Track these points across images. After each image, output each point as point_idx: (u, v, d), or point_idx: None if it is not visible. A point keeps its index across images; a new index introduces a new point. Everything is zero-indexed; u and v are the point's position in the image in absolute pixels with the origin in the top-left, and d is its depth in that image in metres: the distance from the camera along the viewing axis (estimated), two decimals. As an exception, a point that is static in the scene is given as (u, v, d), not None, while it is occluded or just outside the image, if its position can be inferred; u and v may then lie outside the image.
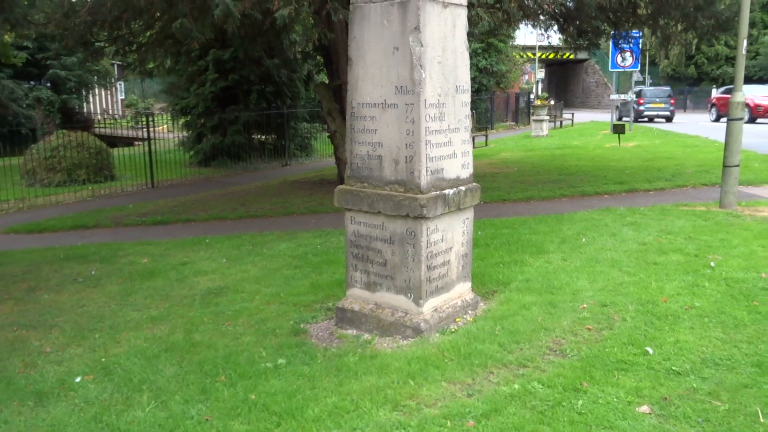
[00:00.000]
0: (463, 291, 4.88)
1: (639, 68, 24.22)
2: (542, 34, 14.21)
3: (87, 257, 7.23)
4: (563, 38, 13.76)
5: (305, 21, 15.32)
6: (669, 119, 32.45)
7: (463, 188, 4.64)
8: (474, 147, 21.08)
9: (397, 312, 4.53)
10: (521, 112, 35.57)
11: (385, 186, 4.47)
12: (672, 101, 33.60)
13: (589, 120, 33.10)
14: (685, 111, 48.57)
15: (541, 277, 5.45)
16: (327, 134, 13.02)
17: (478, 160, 16.02)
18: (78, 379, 3.89)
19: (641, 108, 31.93)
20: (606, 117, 31.10)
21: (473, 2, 12.32)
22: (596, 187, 10.63)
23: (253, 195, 12.14)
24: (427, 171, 4.31)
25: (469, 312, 4.82)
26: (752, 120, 29.69)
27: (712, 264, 5.48)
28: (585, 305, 4.69)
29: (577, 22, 12.22)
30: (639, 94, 32.49)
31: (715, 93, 43.66)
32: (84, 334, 4.75)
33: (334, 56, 12.20)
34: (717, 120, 32.55)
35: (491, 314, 4.65)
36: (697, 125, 27.30)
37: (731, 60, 52.57)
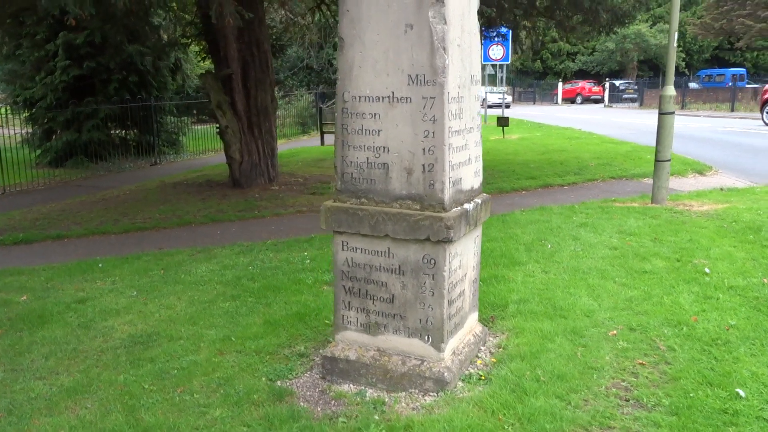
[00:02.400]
0: (473, 324, 4.06)
1: (509, 61, 24.76)
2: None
3: (-63, 298, 5.49)
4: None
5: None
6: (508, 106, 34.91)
7: (479, 201, 3.80)
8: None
9: (410, 359, 3.60)
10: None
11: (393, 202, 3.51)
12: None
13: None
14: (534, 103, 51.51)
15: (536, 296, 4.78)
16: (216, 130, 11.57)
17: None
18: None
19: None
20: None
21: None
22: (510, 183, 10.29)
23: (132, 201, 10.44)
24: (449, 182, 3.42)
25: (482, 348, 4.02)
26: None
27: (707, 270, 5.13)
28: (615, 331, 4.06)
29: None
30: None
31: (561, 86, 47.71)
32: (-33, 426, 3.32)
33: (221, 42, 10.79)
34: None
35: (514, 351, 3.87)
36: (550, 114, 28.89)
37: (572, 55, 56.55)
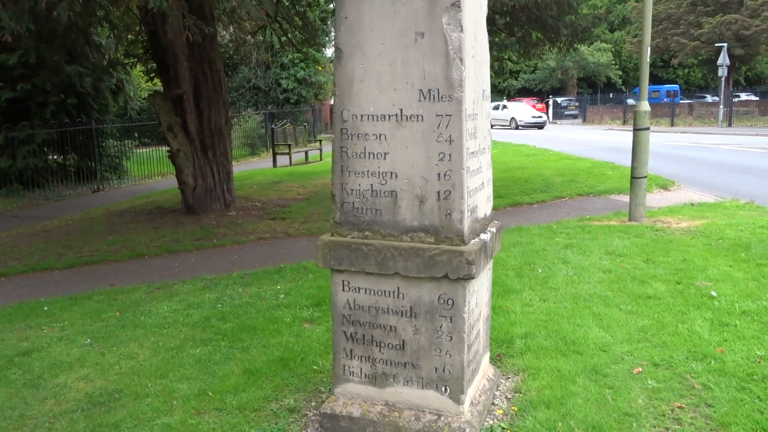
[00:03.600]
0: (485, 366, 3.64)
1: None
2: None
3: None
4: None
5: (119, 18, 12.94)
6: None
7: (494, 230, 3.40)
8: (307, 161, 19.86)
9: (425, 414, 3.14)
10: (338, 123, 35.11)
11: (403, 235, 3.07)
12: None
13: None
14: (480, 121, 52.04)
15: (542, 329, 4.40)
16: (167, 153, 10.88)
17: (329, 177, 14.80)
18: None
19: None
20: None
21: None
22: (478, 203, 9.99)
23: (76, 233, 9.62)
24: (467, 211, 3.00)
25: (497, 394, 3.59)
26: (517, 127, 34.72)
27: (713, 294, 4.87)
28: (639, 368, 3.71)
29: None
30: None
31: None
32: None
33: (171, 61, 10.17)
34: (517, 128, 36.05)
35: (535, 397, 3.46)
36: (499, 132, 29.55)
37: (515, 74, 57.64)
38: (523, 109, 38.97)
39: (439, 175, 2.96)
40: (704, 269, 5.55)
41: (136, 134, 21.95)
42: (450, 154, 2.93)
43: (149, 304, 5.65)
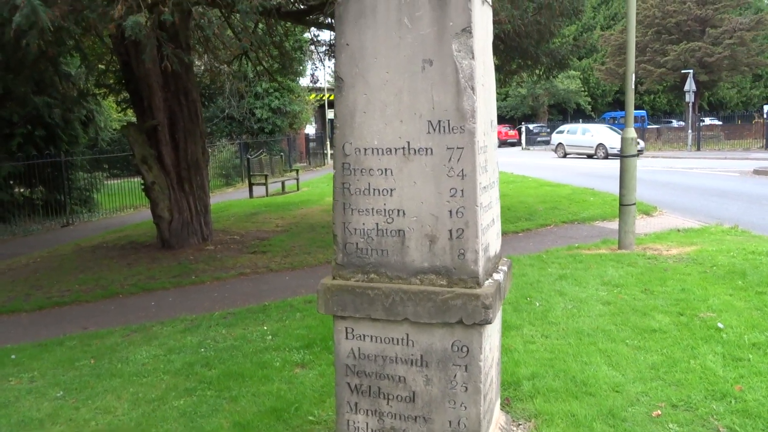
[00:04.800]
0: (497, 414, 3.39)
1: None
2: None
3: None
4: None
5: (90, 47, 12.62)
6: None
7: (505, 268, 3.18)
8: (284, 192, 19.54)
9: (438, 473, 2.87)
10: (312, 153, 35.00)
11: (412, 277, 2.83)
12: None
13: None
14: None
15: (548, 368, 4.18)
16: (141, 186, 10.52)
17: (308, 208, 14.55)
18: None
19: None
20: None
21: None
22: (463, 232, 9.82)
23: (45, 271, 9.17)
24: (482, 250, 2.78)
25: (512, 444, 3.35)
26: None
27: (720, 326, 4.71)
28: (658, 411, 3.49)
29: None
30: None
31: None
32: None
33: (145, 91, 9.88)
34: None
35: (553, 446, 3.21)
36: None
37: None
38: (610, 134, 29.46)
39: (450, 212, 2.75)
40: (705, 299, 5.40)
41: (106, 165, 21.46)
42: (463, 190, 2.72)
43: (126, 349, 5.30)
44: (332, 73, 13.04)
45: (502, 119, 56.62)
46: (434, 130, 2.74)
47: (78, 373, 4.80)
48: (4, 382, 4.72)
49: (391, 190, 2.83)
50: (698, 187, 14.75)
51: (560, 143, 31.69)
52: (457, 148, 2.72)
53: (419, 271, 2.82)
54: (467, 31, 2.67)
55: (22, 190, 15.85)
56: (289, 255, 9.17)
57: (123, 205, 17.38)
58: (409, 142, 2.78)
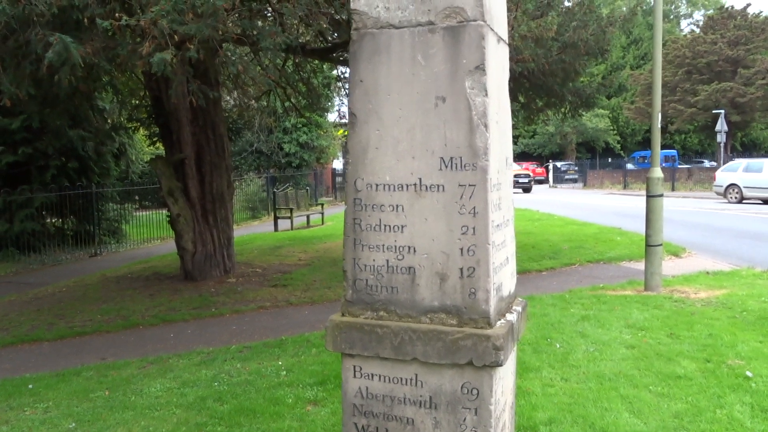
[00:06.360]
0: (511, 460, 3.27)
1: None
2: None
3: None
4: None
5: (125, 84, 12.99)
6: None
7: (519, 309, 3.11)
8: (309, 226, 19.64)
9: None
10: (339, 187, 35.26)
11: (422, 316, 2.78)
12: None
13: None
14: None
15: (567, 414, 4.04)
16: (167, 218, 10.67)
17: (332, 242, 14.56)
18: None
19: None
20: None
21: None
22: (485, 270, 9.70)
23: (70, 300, 9.28)
24: (493, 290, 2.72)
25: (525, 492, 3.21)
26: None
27: (749, 374, 4.52)
28: (681, 462, 3.33)
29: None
30: None
31: None
32: None
33: (174, 125, 10.09)
34: None
35: (569, 496, 3.07)
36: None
37: (514, 138, 58.30)
38: None
39: (462, 250, 2.70)
40: (733, 345, 5.21)
41: (136, 197, 21.86)
42: (474, 228, 2.68)
43: (141, 381, 5.28)
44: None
45: (529, 156, 56.56)
46: (446, 166, 2.72)
47: (92, 404, 4.79)
48: (20, 412, 4.73)
49: (402, 226, 2.79)
50: (730, 229, 14.42)
51: (733, 184, 23.59)
52: (469, 185, 2.68)
53: (429, 309, 2.77)
54: (480, 68, 2.66)
55: (53, 220, 16.19)
56: (309, 289, 9.14)
57: (150, 236, 17.63)
58: (420, 179, 2.76)
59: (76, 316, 8.13)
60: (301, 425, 4.14)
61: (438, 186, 2.74)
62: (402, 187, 2.80)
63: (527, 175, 36.94)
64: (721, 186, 24.26)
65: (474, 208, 2.68)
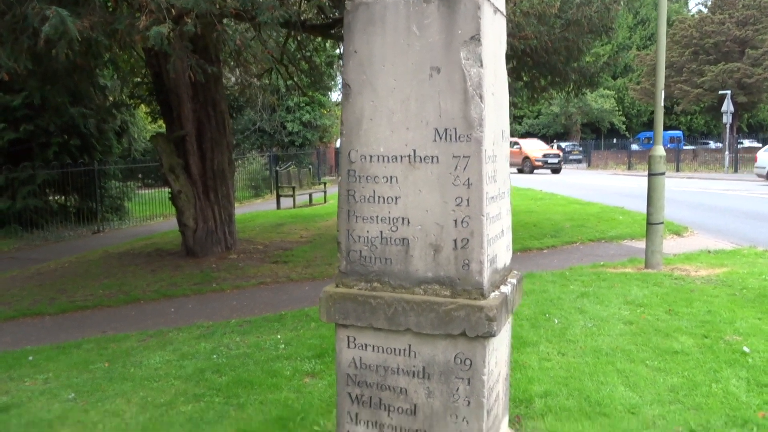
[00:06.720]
0: (505, 431, 3.30)
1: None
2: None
3: None
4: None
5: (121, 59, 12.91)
6: None
7: (514, 281, 3.11)
8: (311, 204, 19.65)
9: (439, 489, 2.80)
10: (342, 166, 35.16)
11: (416, 287, 2.78)
12: None
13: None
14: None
15: (563, 387, 4.07)
16: (169, 196, 10.68)
17: (333, 220, 14.56)
18: None
19: None
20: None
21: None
22: (486, 248, 9.71)
23: (72, 276, 9.34)
24: (487, 261, 2.72)
25: (518, 463, 3.25)
26: (531, 171, 33.37)
27: (746, 350, 4.53)
28: (676, 435, 3.36)
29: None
30: None
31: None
32: None
33: (174, 102, 10.06)
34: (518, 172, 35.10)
35: (561, 467, 3.10)
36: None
37: (518, 119, 58.05)
38: None
39: (455, 221, 2.70)
40: (732, 322, 5.22)
41: (140, 175, 21.88)
42: (468, 199, 2.67)
43: (141, 354, 5.33)
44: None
45: (532, 137, 56.24)
46: (441, 138, 2.71)
47: (91, 375, 4.84)
48: (20, 383, 4.78)
49: (396, 198, 2.79)
50: (733, 209, 14.37)
51: None
52: (464, 156, 2.67)
53: (423, 281, 2.77)
54: (476, 39, 2.63)
55: (56, 197, 16.23)
56: (310, 265, 9.17)
57: (153, 213, 17.66)
58: (415, 150, 2.75)
59: (77, 291, 8.18)
60: (299, 396, 4.18)
61: (432, 157, 2.73)
62: (396, 158, 2.79)
63: (556, 155, 34.75)
64: (764, 167, 23.01)
65: (468, 179, 2.68)
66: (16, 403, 4.33)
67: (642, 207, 11.56)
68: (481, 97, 2.65)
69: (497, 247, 2.93)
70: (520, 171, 34.14)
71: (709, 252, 8.74)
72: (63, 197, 16.29)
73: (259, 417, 3.91)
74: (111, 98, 16.22)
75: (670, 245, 9.58)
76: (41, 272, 9.79)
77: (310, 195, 20.03)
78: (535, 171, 33.74)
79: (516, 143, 35.00)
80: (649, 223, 7.54)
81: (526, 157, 34.30)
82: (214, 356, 5.12)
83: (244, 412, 4.00)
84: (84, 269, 9.78)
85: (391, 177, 2.79)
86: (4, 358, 5.44)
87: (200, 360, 5.04)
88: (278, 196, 18.94)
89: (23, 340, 6.21)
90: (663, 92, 7.41)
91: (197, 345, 5.48)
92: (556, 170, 33.74)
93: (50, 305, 7.54)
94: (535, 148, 35.33)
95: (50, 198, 15.98)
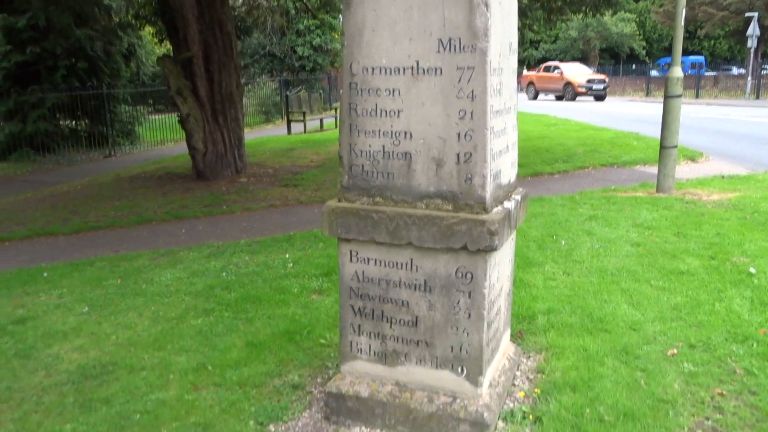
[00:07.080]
0: (506, 344, 3.37)
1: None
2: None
3: None
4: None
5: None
6: None
7: (518, 198, 3.09)
8: (322, 129, 19.51)
9: (438, 396, 2.88)
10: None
11: (418, 201, 2.77)
12: None
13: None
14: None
15: (566, 304, 4.11)
16: (177, 119, 10.62)
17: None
18: None
19: None
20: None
21: None
22: (497, 173, 9.65)
23: (84, 198, 9.44)
24: (490, 176, 2.69)
25: (518, 374, 3.33)
26: (573, 98, 31.49)
27: (752, 270, 4.53)
28: (674, 350, 3.41)
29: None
30: None
31: (526, 71, 43.70)
32: None
33: (180, 22, 9.84)
34: (535, 98, 33.91)
35: (559, 378, 3.19)
36: (518, 101, 28.09)
37: (535, 43, 56.41)
38: None
39: (458, 135, 2.65)
40: (740, 244, 5.20)
41: (150, 101, 21.73)
42: (472, 112, 2.62)
43: (152, 271, 5.44)
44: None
45: (548, 61, 54.84)
46: (444, 48, 2.62)
47: (104, 291, 4.96)
48: (35, 297, 4.92)
49: (399, 111, 2.74)
50: (752, 135, 14.08)
51: None
52: (468, 68, 2.59)
53: (425, 195, 2.76)
54: (481, -59, 2.50)
55: (67, 122, 16.21)
56: (320, 189, 9.19)
57: (164, 138, 17.64)
58: (418, 62, 2.67)
59: (90, 212, 8.29)
60: (305, 311, 4.27)
61: (436, 69, 2.65)
62: (399, 70, 2.71)
63: (602, 81, 31.05)
64: None
65: (472, 91, 2.61)
66: (32, 316, 4.47)
67: (657, 133, 11.35)
68: (486, 5, 2.54)
69: (501, 162, 2.89)
70: (559, 98, 31.43)
71: (722, 177, 8.62)
72: (73, 121, 16.27)
73: (267, 330, 4.01)
74: (116, 19, 15.89)
75: (684, 171, 9.47)
76: (54, 194, 9.90)
77: (321, 120, 19.85)
78: (578, 98, 30.75)
79: (556, 67, 32.43)
80: (663, 147, 7.41)
81: (568, 83, 31.10)
82: (224, 274, 5.21)
83: (252, 326, 4.10)
84: (96, 192, 9.87)
85: (393, 90, 2.73)
86: (19, 275, 5.58)
87: (210, 277, 5.14)
88: (289, 122, 18.79)
89: (38, 258, 6.34)
90: (684, 11, 7.12)
91: (207, 263, 5.58)
92: (600, 97, 30.69)
93: (64, 225, 7.66)
94: (578, 72, 32.08)
95: (61, 122, 15.96)
